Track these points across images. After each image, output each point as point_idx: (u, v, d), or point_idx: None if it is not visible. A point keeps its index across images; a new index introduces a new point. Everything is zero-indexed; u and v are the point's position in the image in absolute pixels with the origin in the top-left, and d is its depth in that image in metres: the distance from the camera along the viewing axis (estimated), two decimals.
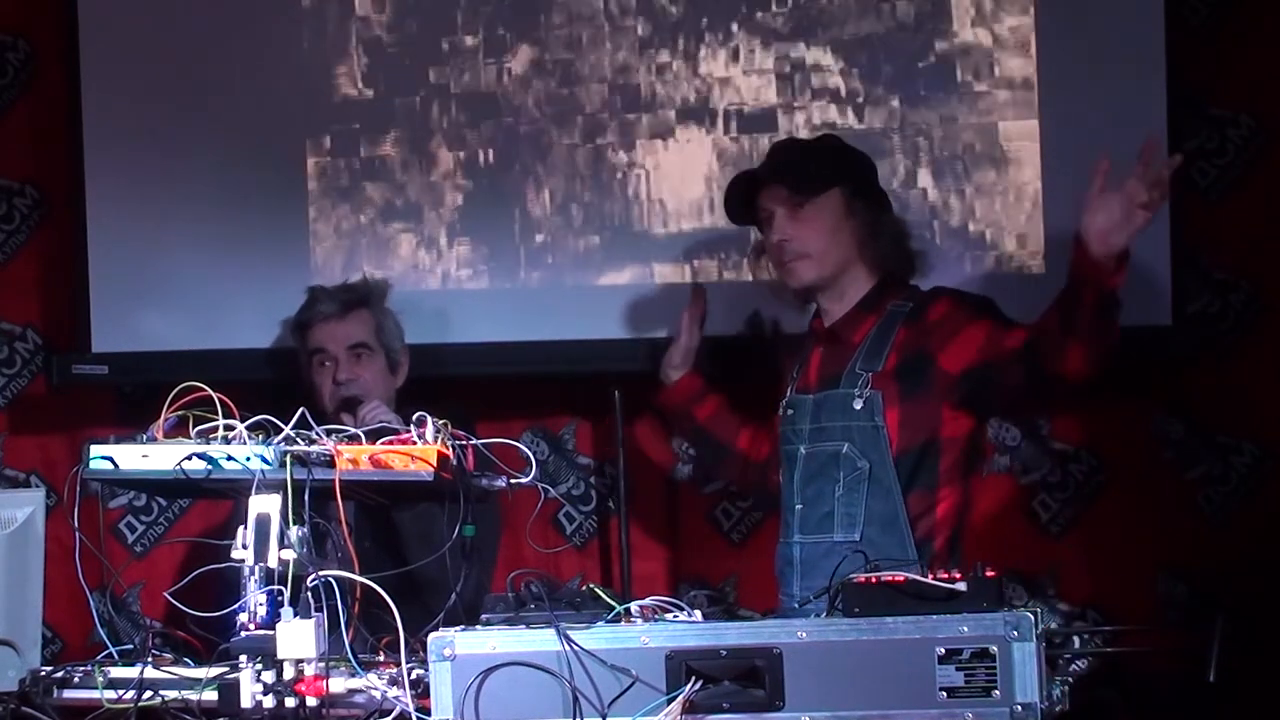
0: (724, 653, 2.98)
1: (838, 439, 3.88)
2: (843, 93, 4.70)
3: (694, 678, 2.97)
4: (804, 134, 4.64)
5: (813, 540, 3.87)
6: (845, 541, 3.79)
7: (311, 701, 3.09)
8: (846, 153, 4.09)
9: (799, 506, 3.93)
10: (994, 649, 2.92)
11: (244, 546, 3.15)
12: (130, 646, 3.33)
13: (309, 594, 3.08)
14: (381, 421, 4.07)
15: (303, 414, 3.24)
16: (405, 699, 3.09)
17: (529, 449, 3.42)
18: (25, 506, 3.43)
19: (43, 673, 3.29)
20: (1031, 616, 2.93)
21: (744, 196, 4.05)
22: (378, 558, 3.76)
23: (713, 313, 4.49)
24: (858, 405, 3.85)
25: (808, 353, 4.05)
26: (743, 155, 4.70)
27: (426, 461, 3.18)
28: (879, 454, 3.84)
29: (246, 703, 3.09)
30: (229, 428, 3.22)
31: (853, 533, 3.82)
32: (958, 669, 2.93)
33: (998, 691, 2.91)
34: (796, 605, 3.80)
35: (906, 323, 3.92)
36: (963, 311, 3.92)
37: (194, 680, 3.17)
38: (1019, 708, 2.91)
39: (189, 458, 3.21)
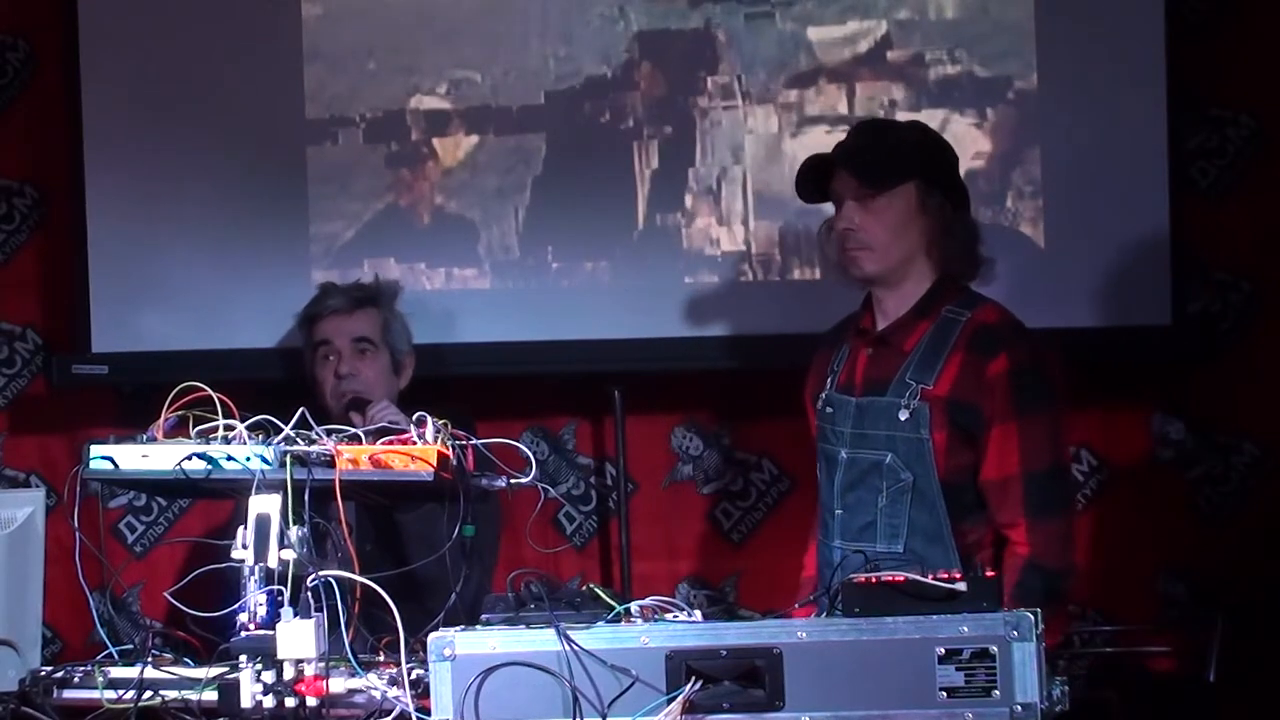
0: (724, 653, 2.98)
1: (880, 448, 3.76)
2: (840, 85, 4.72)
3: (694, 678, 2.96)
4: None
5: (854, 548, 3.77)
6: (888, 552, 3.71)
7: (311, 701, 3.08)
8: (928, 145, 3.89)
9: (839, 512, 3.84)
10: (994, 649, 2.91)
11: (244, 546, 3.14)
12: (130, 646, 3.33)
13: (309, 594, 3.08)
14: (390, 422, 4.06)
15: (303, 414, 3.24)
16: (405, 699, 3.08)
17: (529, 449, 3.40)
18: (25, 506, 3.43)
19: (43, 673, 3.28)
20: (1031, 616, 2.93)
21: (817, 174, 3.90)
22: (379, 559, 3.76)
23: (714, 313, 4.48)
24: (903, 416, 3.72)
25: (852, 350, 3.90)
26: (742, 154, 4.71)
27: (426, 461, 3.18)
28: (924, 467, 3.72)
29: (246, 703, 3.09)
30: (229, 428, 3.22)
31: (896, 544, 3.73)
32: (958, 669, 2.92)
33: (998, 691, 2.91)
34: None
35: (966, 344, 3.76)
36: (1019, 394, 3.72)
37: (194, 680, 3.16)
38: (1019, 708, 2.90)
39: (189, 458, 3.20)
